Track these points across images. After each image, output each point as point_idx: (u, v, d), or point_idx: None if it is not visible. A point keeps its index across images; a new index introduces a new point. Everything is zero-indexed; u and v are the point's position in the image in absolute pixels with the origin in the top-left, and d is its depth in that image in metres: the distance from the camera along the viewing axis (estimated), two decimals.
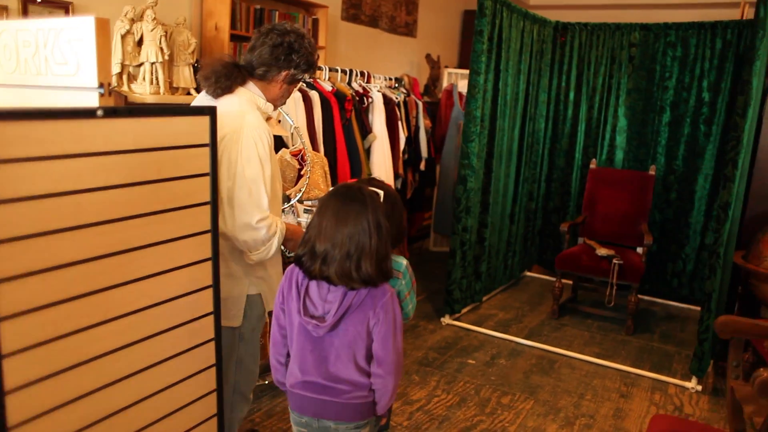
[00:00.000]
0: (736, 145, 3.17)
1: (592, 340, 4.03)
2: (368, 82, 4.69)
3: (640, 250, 4.44)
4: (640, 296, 4.25)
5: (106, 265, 1.39)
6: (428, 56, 6.56)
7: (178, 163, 1.53)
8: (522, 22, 4.54)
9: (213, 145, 1.62)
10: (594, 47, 5.00)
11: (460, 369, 3.50)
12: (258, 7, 4.11)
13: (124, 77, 3.24)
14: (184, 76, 3.47)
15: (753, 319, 2.52)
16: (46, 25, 1.30)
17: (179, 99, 3.40)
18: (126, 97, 3.13)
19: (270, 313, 2.01)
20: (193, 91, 3.48)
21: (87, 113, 1.27)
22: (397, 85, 5.22)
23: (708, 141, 4.60)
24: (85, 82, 1.33)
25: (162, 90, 3.32)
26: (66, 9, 3.10)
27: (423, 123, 5.38)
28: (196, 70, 3.45)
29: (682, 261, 4.77)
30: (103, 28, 1.30)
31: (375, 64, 5.65)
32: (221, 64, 2.02)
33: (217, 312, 1.73)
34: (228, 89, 2.02)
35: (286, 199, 3.30)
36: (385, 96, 4.64)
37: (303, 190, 3.22)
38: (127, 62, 3.21)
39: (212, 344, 1.75)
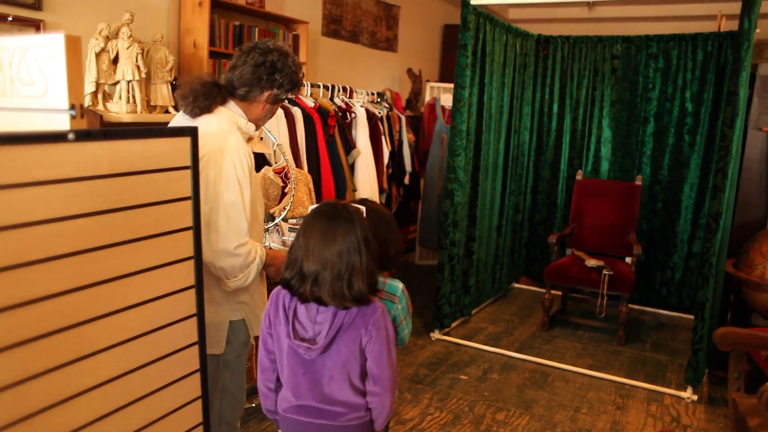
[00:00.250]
0: (725, 155, 3.15)
1: (585, 352, 3.98)
2: (351, 97, 4.63)
3: (628, 259, 4.41)
4: (629, 306, 4.21)
5: (81, 298, 1.30)
6: (410, 70, 6.54)
7: (158, 187, 1.45)
8: (505, 36, 4.53)
9: (195, 167, 1.54)
10: (577, 60, 5.00)
11: (453, 385, 3.42)
12: (237, 23, 4.05)
13: (99, 96, 3.15)
14: (162, 94, 3.38)
15: (753, 330, 2.48)
16: (11, 44, 1.22)
17: (157, 117, 3.31)
18: (101, 116, 3.04)
19: (257, 338, 1.92)
20: (171, 110, 3.39)
21: (57, 137, 1.19)
22: (379, 99, 5.18)
23: (692, 151, 4.60)
24: (55, 104, 1.25)
25: (139, 108, 3.23)
26: (37, 26, 3.01)
27: (406, 137, 5.34)
28: (174, 88, 3.37)
29: (671, 270, 4.75)
30: (74, 46, 1.22)
31: (356, 79, 5.60)
32: (200, 82, 1.95)
33: (201, 341, 1.64)
34: (207, 109, 1.94)
35: (271, 217, 3.21)
36: (368, 111, 4.59)
37: (288, 208, 3.14)
38: (102, 81, 3.12)
39: (197, 376, 1.66)
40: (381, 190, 4.78)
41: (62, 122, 1.26)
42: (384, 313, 1.60)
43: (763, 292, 3.35)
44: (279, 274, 2.21)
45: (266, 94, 1.99)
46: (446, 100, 5.79)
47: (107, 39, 3.11)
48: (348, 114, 4.41)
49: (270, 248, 2.99)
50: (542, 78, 5.11)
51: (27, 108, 1.27)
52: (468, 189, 4.25)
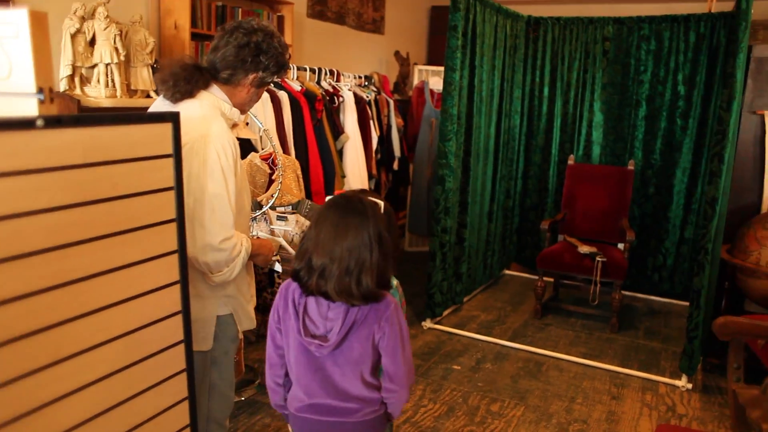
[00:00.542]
0: (722, 140, 3.09)
1: (578, 340, 3.93)
2: (338, 80, 4.52)
3: (621, 246, 4.36)
4: (622, 292, 4.17)
5: (55, 298, 1.20)
6: (397, 53, 6.41)
7: (137, 177, 1.34)
8: (495, 17, 4.42)
9: (177, 155, 1.43)
10: (567, 42, 4.91)
11: (446, 376, 3.36)
12: (220, 4, 3.90)
13: (77, 80, 3.01)
14: (143, 77, 3.25)
15: (752, 318, 2.43)
16: None
17: (138, 102, 3.18)
18: (79, 101, 2.90)
19: (246, 333, 1.84)
20: (153, 94, 3.26)
21: (24, 124, 1.08)
22: (366, 83, 5.06)
23: (685, 135, 4.54)
24: (21, 87, 1.14)
25: (119, 93, 3.10)
26: (6, 3, 2.85)
27: (395, 122, 5.24)
28: (155, 71, 3.23)
29: (662, 255, 4.71)
30: (40, 23, 1.10)
31: (343, 62, 5.47)
32: (180, 65, 1.83)
33: (188, 339, 1.54)
34: (188, 93, 1.83)
35: (258, 206, 3.11)
36: (356, 95, 4.48)
37: (275, 195, 3.04)
38: (78, 63, 2.99)
39: (184, 375, 1.56)
40: (370, 176, 4.68)
41: (29, 107, 1.15)
42: (397, 308, 1.54)
43: (758, 278, 3.31)
44: (267, 263, 2.12)
45: (251, 77, 1.88)
46: (435, 83, 5.69)
47: (83, 19, 2.96)
48: (336, 98, 4.30)
49: (257, 237, 2.90)
50: (533, 60, 5.02)
51: None
52: (459, 174, 4.17)
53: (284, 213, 3.10)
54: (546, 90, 5.01)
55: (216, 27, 3.88)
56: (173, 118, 1.41)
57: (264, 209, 3.01)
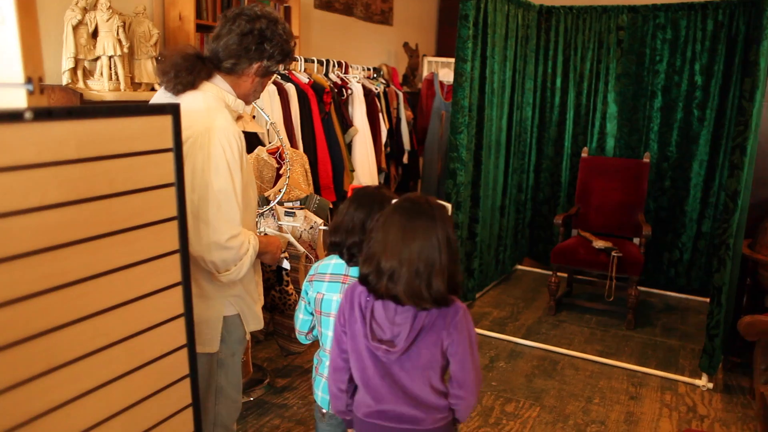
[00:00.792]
0: (744, 131, 2.98)
1: (593, 337, 3.84)
2: (346, 72, 4.43)
3: (636, 240, 4.26)
4: (638, 288, 4.06)
5: (48, 302, 1.12)
6: (406, 45, 6.31)
7: (135, 172, 1.27)
8: (506, 6, 4.31)
9: (178, 149, 1.35)
10: (580, 31, 4.79)
11: None
12: None
13: (79, 73, 2.94)
14: (147, 70, 3.17)
15: None
16: None
17: (142, 95, 3.10)
18: (81, 94, 2.83)
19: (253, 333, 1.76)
20: (157, 87, 3.18)
21: (11, 116, 1.00)
22: (375, 75, 4.97)
23: (702, 126, 4.42)
24: (8, 77, 1.06)
25: (122, 86, 3.02)
26: None
27: (404, 114, 5.15)
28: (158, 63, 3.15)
29: (679, 250, 4.60)
30: (27, 9, 1.02)
31: (351, 53, 5.38)
32: (181, 56, 1.75)
33: (191, 344, 1.47)
34: (190, 85, 1.75)
35: (265, 201, 3.03)
36: (364, 87, 4.39)
37: (283, 190, 2.96)
38: (81, 56, 2.91)
39: (187, 381, 1.49)
40: (379, 170, 4.60)
41: (18, 99, 1.07)
42: (465, 314, 1.51)
43: None
44: (276, 261, 2.04)
45: (255, 66, 1.80)
46: (444, 75, 5.58)
47: (84, 10, 2.88)
48: (344, 90, 4.21)
49: (264, 234, 2.82)
50: (545, 51, 4.90)
51: None
52: (471, 168, 4.07)
53: (292, 208, 3.02)
54: (558, 81, 4.90)
55: None
56: (173, 110, 1.33)
57: (271, 205, 2.94)
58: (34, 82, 1.06)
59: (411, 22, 6.54)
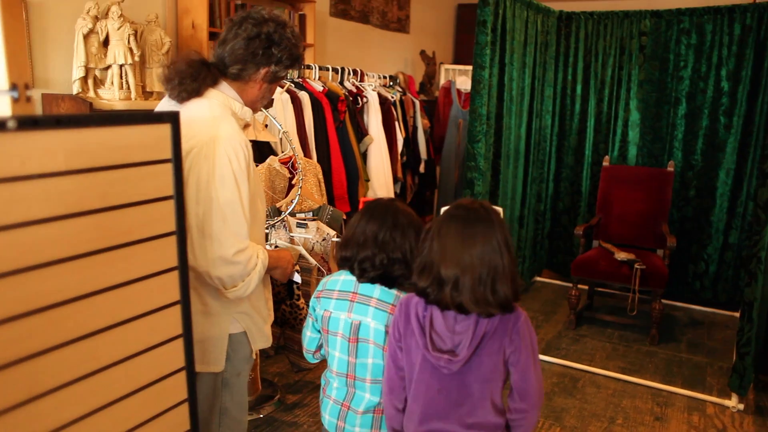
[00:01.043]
0: None
1: (615, 353, 3.70)
2: (362, 80, 4.36)
3: (660, 252, 4.12)
4: (662, 301, 3.92)
5: (35, 323, 1.05)
6: (423, 53, 6.24)
7: (131, 185, 1.19)
8: (525, 12, 4.22)
9: (177, 159, 1.27)
10: (601, 37, 4.68)
11: None
12: (239, 2, 3.77)
13: (90, 82, 2.90)
14: (159, 79, 3.12)
15: None
16: None
17: (153, 104, 3.05)
18: (91, 103, 2.79)
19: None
20: None
21: None
22: (392, 83, 4.90)
23: (729, 133, 4.28)
24: None
25: (134, 95, 2.98)
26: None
27: (421, 123, 5.07)
28: None
29: (704, 262, 4.45)
30: (13, 11, 0.96)
31: (367, 61, 5.32)
32: (186, 62, 1.68)
33: (190, 366, 1.39)
34: (195, 92, 1.68)
35: (277, 212, 2.96)
36: (380, 95, 4.31)
37: (295, 201, 2.89)
38: (91, 65, 2.87)
39: (186, 406, 1.40)
40: (395, 180, 4.52)
41: (1, 107, 1.00)
42: (527, 320, 1.47)
43: None
44: (286, 276, 1.96)
45: (262, 71, 1.72)
46: (462, 83, 5.50)
47: (96, 19, 2.85)
48: (359, 98, 4.14)
49: (274, 248, 2.74)
50: (564, 58, 4.80)
51: None
52: (489, 178, 3.97)
53: (304, 220, 2.94)
54: (579, 88, 4.79)
55: None
56: (172, 119, 1.25)
57: (283, 216, 2.86)
58: (20, 89, 0.99)
59: (428, 29, 6.47)
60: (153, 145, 1.23)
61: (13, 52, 0.96)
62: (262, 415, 2.86)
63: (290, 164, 3.12)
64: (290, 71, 1.82)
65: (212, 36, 3.53)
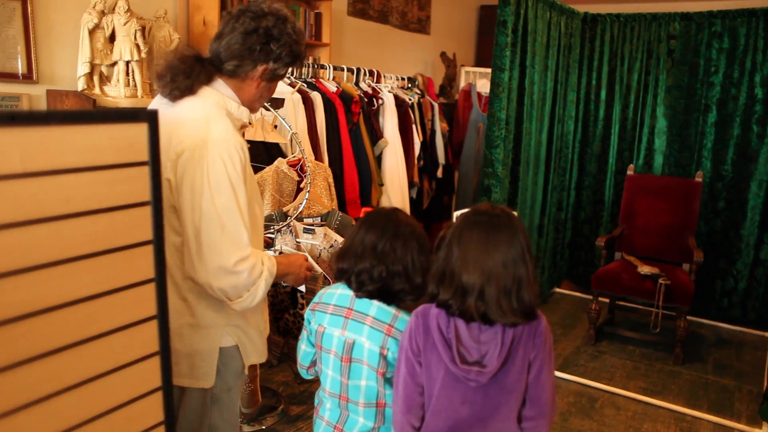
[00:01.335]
0: None
1: (637, 372, 3.53)
2: (378, 81, 4.24)
3: (686, 266, 3.93)
4: (687, 318, 3.73)
5: None
6: (443, 54, 6.10)
7: (100, 189, 1.08)
8: (548, 13, 4.07)
9: (154, 162, 1.16)
10: (628, 40, 4.51)
11: None
12: None
13: (96, 78, 2.82)
14: None
15: None
16: None
17: None
18: (95, 100, 2.71)
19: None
20: None
21: None
22: (410, 85, 4.77)
23: (762, 143, 4.08)
24: None
25: (140, 92, 2.90)
26: (24, 2, 2.68)
27: (439, 126, 4.92)
28: None
29: (733, 278, 4.25)
30: None
31: (385, 62, 5.20)
32: (178, 57, 1.57)
33: (167, 386, 1.27)
34: (189, 90, 1.57)
35: (284, 216, 2.85)
36: (397, 97, 4.19)
37: (302, 205, 2.77)
38: (97, 61, 2.79)
39: (161, 429, 1.29)
40: (411, 184, 4.38)
41: None
42: (547, 324, 1.42)
43: None
44: (300, 281, 1.84)
45: (260, 68, 1.61)
46: (482, 86, 5.34)
47: (102, 14, 2.77)
48: (375, 100, 4.02)
49: (280, 254, 2.64)
50: (589, 61, 4.64)
51: None
52: (507, 185, 3.82)
53: (312, 225, 2.83)
54: (603, 93, 4.62)
55: None
56: (149, 117, 1.14)
57: (289, 221, 2.75)
58: None
59: (449, 31, 6.34)
60: (127, 146, 1.12)
61: None
62: (264, 427, 2.75)
63: (299, 167, 3.01)
64: (290, 69, 1.70)
65: None
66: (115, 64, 2.86)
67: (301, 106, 3.33)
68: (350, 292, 1.57)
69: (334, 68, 3.86)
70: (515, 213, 1.45)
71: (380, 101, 4.06)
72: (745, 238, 4.18)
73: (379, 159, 4.03)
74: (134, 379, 1.21)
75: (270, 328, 2.96)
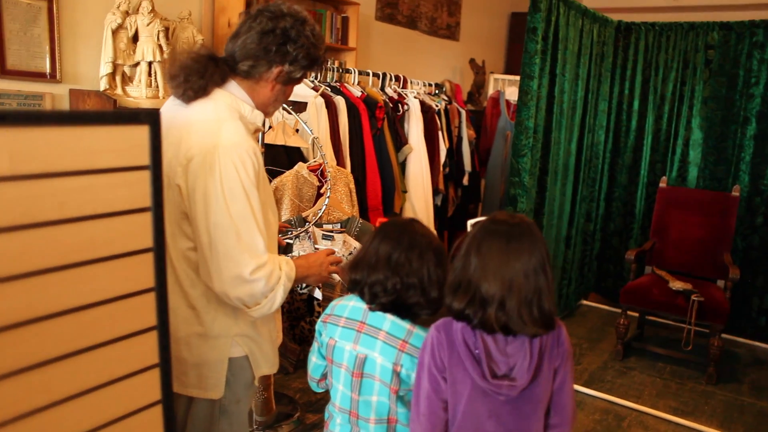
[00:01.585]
0: None
1: (667, 390, 3.38)
2: (404, 87, 4.18)
3: (720, 283, 3.77)
4: (722, 336, 3.57)
5: None
6: (472, 61, 6.02)
7: (97, 193, 1.03)
8: (580, 21, 3.96)
9: (156, 167, 1.11)
10: (663, 50, 4.37)
11: None
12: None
13: (118, 79, 2.81)
14: None
15: None
16: None
17: None
18: (115, 101, 2.70)
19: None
20: None
21: None
22: (437, 91, 4.70)
23: None
24: None
25: (162, 93, 2.88)
26: (50, 1, 2.68)
27: (466, 133, 4.84)
28: None
29: None
30: None
31: (412, 68, 5.13)
32: (191, 57, 1.52)
33: (167, 400, 1.22)
34: (202, 90, 1.52)
35: (302, 222, 2.80)
36: (423, 103, 4.12)
37: (321, 211, 2.72)
38: (120, 61, 2.78)
39: None
40: (436, 191, 4.31)
41: None
42: (566, 331, 1.40)
43: None
44: (323, 279, 1.77)
45: (275, 70, 1.55)
46: (511, 93, 5.25)
47: (126, 14, 2.76)
48: (400, 106, 3.95)
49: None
50: (622, 70, 4.51)
51: None
52: (534, 195, 3.72)
53: (331, 231, 2.77)
54: (636, 103, 4.48)
55: None
56: (151, 119, 1.09)
57: (307, 226, 2.70)
58: None
59: (479, 37, 6.25)
60: (127, 149, 1.07)
61: None
62: None
63: (319, 172, 2.96)
64: (308, 73, 1.65)
65: None
66: (137, 64, 2.85)
67: (324, 111, 3.28)
68: (363, 305, 1.50)
69: (360, 73, 3.81)
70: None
71: (405, 107, 3.99)
72: None
73: (403, 165, 3.97)
74: (133, 392, 1.16)
75: (286, 335, 2.91)
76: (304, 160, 3.11)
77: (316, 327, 1.60)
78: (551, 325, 1.33)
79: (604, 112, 4.48)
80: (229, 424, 1.70)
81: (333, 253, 1.76)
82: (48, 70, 2.72)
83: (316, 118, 3.21)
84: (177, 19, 3.00)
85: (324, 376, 1.63)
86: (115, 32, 2.74)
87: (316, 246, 2.79)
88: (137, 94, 2.83)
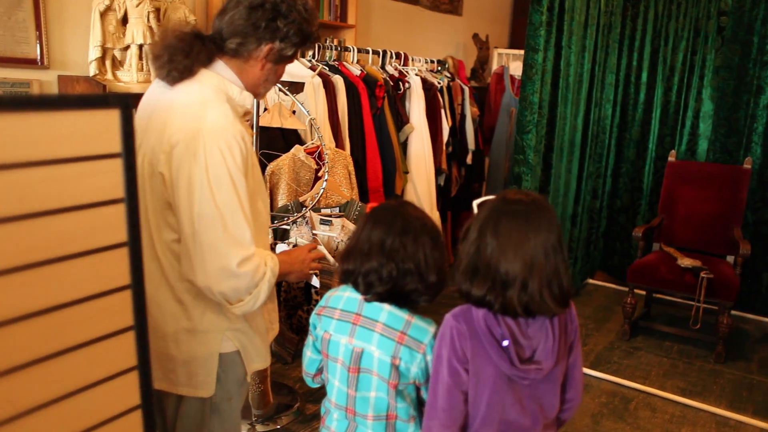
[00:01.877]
0: None
1: (674, 370, 3.32)
2: (405, 64, 4.07)
3: (730, 259, 3.69)
4: (731, 313, 3.50)
5: None
6: (475, 36, 5.88)
7: (63, 184, 0.96)
8: None
9: (128, 154, 1.04)
10: (673, 18, 4.23)
11: None
12: None
13: (108, 63, 2.72)
14: None
15: None
16: None
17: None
18: (105, 86, 2.62)
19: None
20: None
21: None
22: (439, 68, 4.59)
23: None
24: None
25: (153, 77, 2.78)
26: None
27: (469, 111, 4.73)
28: None
29: None
30: None
31: (414, 44, 5.01)
32: (176, 35, 1.44)
33: (147, 405, 1.16)
34: (188, 71, 1.44)
35: (300, 206, 2.73)
36: (425, 81, 4.01)
37: (318, 195, 2.64)
38: (109, 45, 2.70)
39: None
40: (439, 171, 4.22)
41: None
42: (574, 306, 1.39)
43: None
44: (304, 276, 1.72)
45: (265, 48, 1.47)
46: (516, 69, 5.12)
47: None
48: (401, 84, 3.85)
49: (294, 247, 2.51)
50: (630, 41, 4.37)
51: None
52: (539, 172, 3.63)
53: (329, 216, 2.70)
54: (644, 75, 4.36)
55: None
56: (122, 103, 1.01)
57: (304, 211, 2.63)
58: None
59: (482, 12, 6.10)
60: (95, 135, 1.00)
61: None
62: (279, 426, 2.65)
63: (317, 154, 2.88)
64: (300, 51, 1.56)
65: None
66: (127, 48, 2.76)
67: (322, 91, 3.18)
68: (358, 296, 1.43)
69: (359, 51, 3.70)
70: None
71: (407, 85, 3.89)
72: None
73: (404, 145, 3.88)
74: (110, 397, 1.10)
75: (283, 324, 2.85)
76: (302, 143, 3.03)
77: (310, 320, 1.54)
78: (567, 303, 1.31)
79: (611, 85, 4.36)
80: (221, 423, 1.64)
81: (315, 248, 1.69)
82: (36, 56, 2.64)
83: (313, 99, 3.12)
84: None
85: (319, 371, 1.57)
86: (103, 14, 2.65)
87: (314, 231, 2.72)
88: (128, 79, 2.75)
